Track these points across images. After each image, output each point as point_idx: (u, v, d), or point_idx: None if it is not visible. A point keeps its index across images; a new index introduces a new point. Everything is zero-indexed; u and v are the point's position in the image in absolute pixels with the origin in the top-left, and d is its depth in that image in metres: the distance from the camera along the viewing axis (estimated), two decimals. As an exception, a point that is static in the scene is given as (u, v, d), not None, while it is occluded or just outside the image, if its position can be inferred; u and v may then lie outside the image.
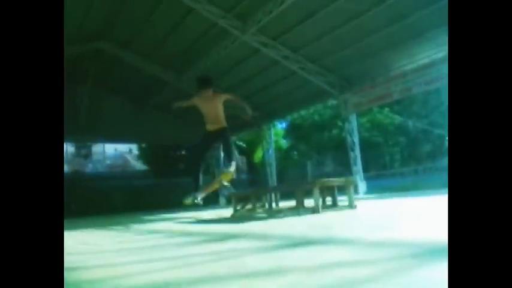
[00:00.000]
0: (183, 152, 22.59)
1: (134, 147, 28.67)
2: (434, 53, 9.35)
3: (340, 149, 16.31)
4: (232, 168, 4.22)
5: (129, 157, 31.74)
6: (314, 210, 3.97)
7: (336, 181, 4.43)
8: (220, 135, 4.59)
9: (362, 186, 11.23)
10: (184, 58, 12.32)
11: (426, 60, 9.55)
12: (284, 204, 5.38)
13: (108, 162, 32.42)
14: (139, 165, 27.27)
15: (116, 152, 33.54)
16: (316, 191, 4.02)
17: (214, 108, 4.57)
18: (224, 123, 4.61)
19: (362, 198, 8.23)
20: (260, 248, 1.94)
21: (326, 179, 4.22)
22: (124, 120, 15.46)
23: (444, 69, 9.04)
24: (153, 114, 16.22)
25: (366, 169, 12.70)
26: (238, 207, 5.43)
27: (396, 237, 1.81)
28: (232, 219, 4.67)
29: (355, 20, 9.06)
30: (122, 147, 32.22)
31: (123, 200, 16.67)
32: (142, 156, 25.70)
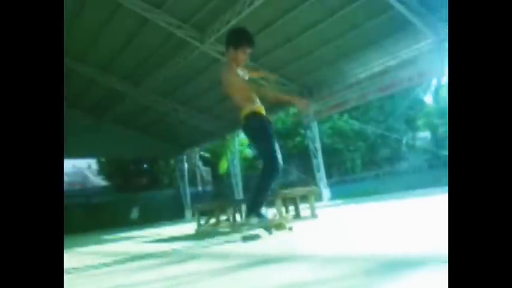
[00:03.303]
0: (145, 166, 21.99)
1: (93, 163, 27.56)
2: (387, 60, 9.79)
3: (304, 156, 16.57)
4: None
5: (88, 173, 30.46)
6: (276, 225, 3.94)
7: (297, 192, 4.44)
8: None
9: (326, 192, 11.42)
10: (141, 69, 12.06)
11: (379, 68, 9.97)
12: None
13: (65, 179, 30.91)
14: (99, 181, 26.22)
15: (74, 169, 32.08)
16: (279, 202, 4.01)
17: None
18: None
19: (326, 206, 8.36)
20: (219, 270, 1.88)
21: (287, 191, 4.22)
22: (81, 134, 14.78)
23: (396, 76, 9.46)
24: (112, 127, 15.70)
25: (329, 175, 12.97)
26: (201, 222, 5.31)
27: (353, 251, 1.82)
28: (196, 236, 4.55)
29: (310, 30, 9.31)
30: (81, 163, 30.89)
31: (82, 219, 15.89)
32: (102, 171, 24.74)
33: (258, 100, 3.34)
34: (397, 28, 8.75)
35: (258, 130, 3.25)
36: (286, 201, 4.40)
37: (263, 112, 3.32)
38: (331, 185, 12.33)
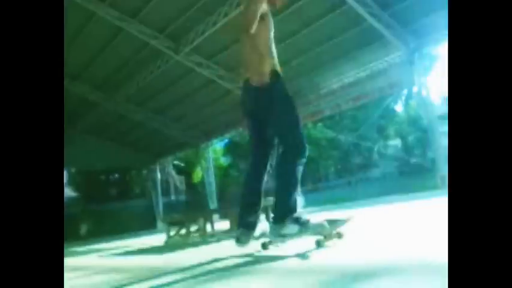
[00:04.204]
0: (116, 176, 21.41)
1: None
2: (359, 71, 10.03)
3: (279, 164, 16.65)
4: None
5: (57, 183, 29.32)
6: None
7: (268, 202, 4.42)
8: None
9: (300, 200, 11.46)
10: (114, 78, 11.83)
11: (352, 79, 10.20)
12: (221, 225, 5.28)
13: (33, 190, 29.58)
14: (68, 192, 25.25)
15: (42, 179, 30.81)
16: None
17: None
18: None
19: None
20: (181, 286, 1.83)
21: (258, 200, 4.18)
22: (50, 144, 14.31)
23: (367, 86, 9.70)
24: (83, 137, 15.25)
25: (302, 183, 13.06)
26: (172, 233, 5.20)
27: (317, 262, 1.81)
28: (165, 247, 4.45)
29: (286, 41, 9.42)
30: (49, 173, 29.71)
31: (50, 231, 15.22)
32: (72, 182, 23.84)
33: None
34: (370, 40, 9.00)
35: (287, 98, 2.41)
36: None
37: None
38: (305, 193, 12.43)
